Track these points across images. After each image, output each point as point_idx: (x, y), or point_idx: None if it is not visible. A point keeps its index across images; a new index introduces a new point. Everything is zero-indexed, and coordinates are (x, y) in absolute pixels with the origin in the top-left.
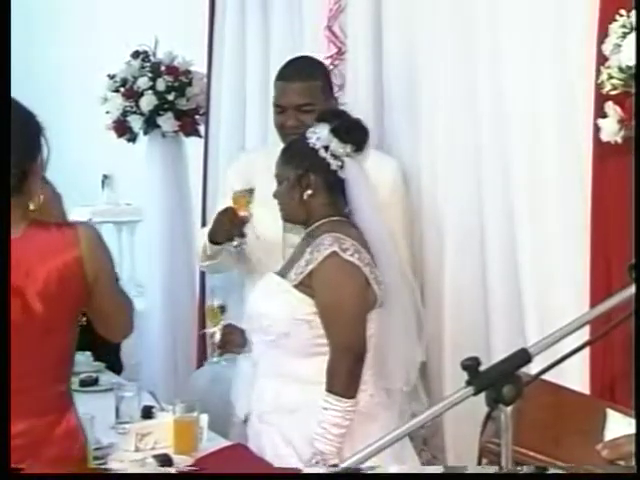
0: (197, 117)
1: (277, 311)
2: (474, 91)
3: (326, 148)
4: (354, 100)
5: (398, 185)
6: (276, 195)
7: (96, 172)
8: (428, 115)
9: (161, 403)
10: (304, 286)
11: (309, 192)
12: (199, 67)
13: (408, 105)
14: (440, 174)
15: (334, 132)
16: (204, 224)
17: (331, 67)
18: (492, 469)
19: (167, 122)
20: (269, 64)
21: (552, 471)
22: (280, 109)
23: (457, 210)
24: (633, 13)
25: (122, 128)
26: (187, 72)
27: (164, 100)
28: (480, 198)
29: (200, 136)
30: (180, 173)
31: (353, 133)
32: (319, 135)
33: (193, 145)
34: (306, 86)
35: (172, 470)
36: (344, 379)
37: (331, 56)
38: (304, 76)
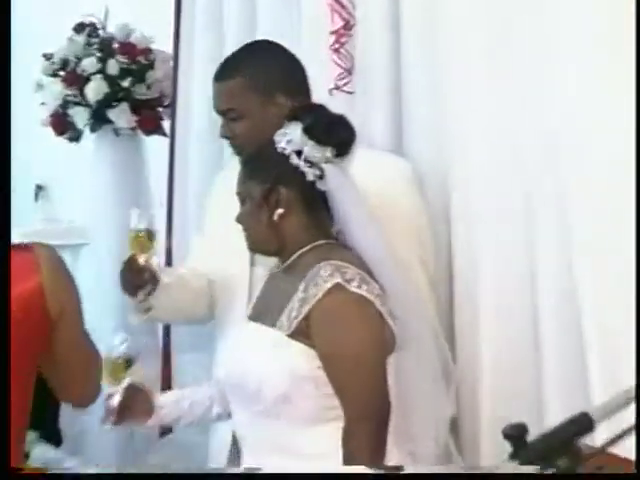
0: (160, 110)
1: (271, 371)
2: (518, 78)
3: (299, 153)
4: (364, 88)
5: (400, 187)
6: (239, 219)
7: (28, 181)
8: (460, 109)
9: None
10: (301, 335)
11: (280, 211)
12: (163, 45)
13: (434, 95)
14: (476, 192)
15: (308, 132)
16: (169, 250)
17: (336, 46)
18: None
19: (121, 116)
20: (256, 37)
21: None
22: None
23: (498, 246)
24: None
25: (62, 124)
26: (147, 51)
27: (117, 87)
28: (529, 229)
29: (165, 134)
30: (138, 183)
31: (334, 132)
32: (290, 137)
33: (155, 146)
34: (227, 86)
35: None
36: (366, 450)
37: (336, 31)
38: (226, 72)
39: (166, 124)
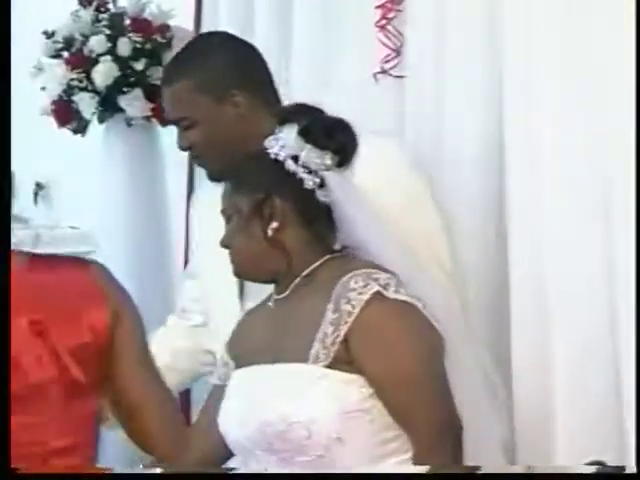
0: None
1: (317, 412)
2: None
3: (295, 159)
4: (417, 70)
5: (392, 174)
6: (224, 240)
7: (26, 179)
8: (525, 95)
9: None
10: (341, 362)
11: (274, 225)
12: (182, 21)
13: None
14: (538, 183)
15: (305, 135)
16: (187, 260)
17: (383, 22)
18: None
19: (134, 103)
20: (291, 11)
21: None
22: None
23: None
24: None
25: (66, 113)
26: (164, 28)
27: (129, 70)
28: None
29: None
30: (153, 180)
31: (334, 135)
32: (284, 141)
33: (173, 138)
34: (173, 92)
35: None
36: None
37: (383, 5)
38: (170, 77)
39: None
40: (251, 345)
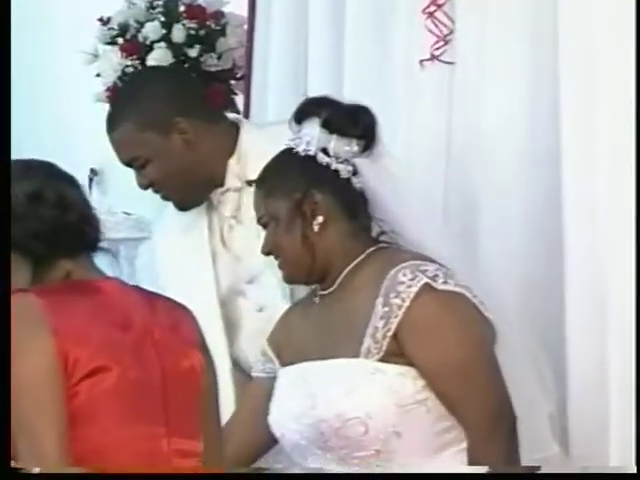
0: (233, 83)
1: (374, 406)
2: None
3: (325, 151)
4: (466, 57)
5: None
6: (265, 247)
7: (80, 165)
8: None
9: None
10: (394, 354)
11: (320, 219)
12: (237, 7)
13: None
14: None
15: (328, 126)
16: None
17: (432, 9)
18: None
19: None
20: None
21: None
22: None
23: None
24: None
25: None
26: (218, 15)
27: (183, 57)
28: None
29: (238, 112)
30: None
31: (357, 121)
32: (310, 137)
33: None
34: (119, 136)
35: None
36: (503, 465)
37: None
38: (113, 123)
39: (240, 99)
40: (296, 341)
